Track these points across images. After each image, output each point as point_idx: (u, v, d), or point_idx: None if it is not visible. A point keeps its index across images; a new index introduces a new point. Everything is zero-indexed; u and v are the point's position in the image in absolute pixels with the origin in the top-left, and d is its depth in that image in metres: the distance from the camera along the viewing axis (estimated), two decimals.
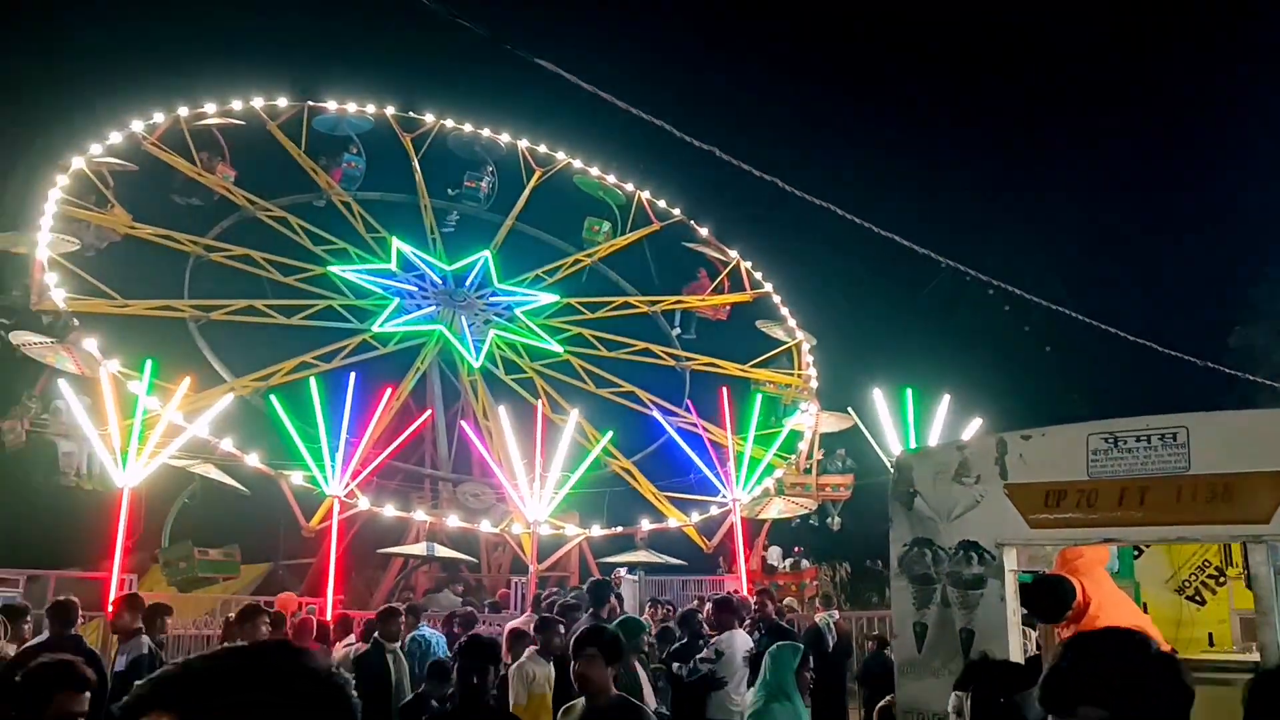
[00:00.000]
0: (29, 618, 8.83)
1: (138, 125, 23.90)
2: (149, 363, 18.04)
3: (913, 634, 5.64)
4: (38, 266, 20.27)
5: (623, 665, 5.37)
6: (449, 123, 28.52)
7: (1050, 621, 6.48)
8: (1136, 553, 8.36)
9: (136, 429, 17.11)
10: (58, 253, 20.90)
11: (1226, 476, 4.80)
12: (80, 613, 8.69)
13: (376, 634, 10.10)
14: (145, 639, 8.76)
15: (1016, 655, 5.40)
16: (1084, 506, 5.24)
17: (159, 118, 24.45)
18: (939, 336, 33.23)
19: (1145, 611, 7.45)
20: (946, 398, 22.21)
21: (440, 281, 26.94)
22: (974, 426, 21.37)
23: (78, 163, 22.38)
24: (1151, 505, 5.00)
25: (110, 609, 9.56)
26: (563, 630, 9.33)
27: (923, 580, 5.69)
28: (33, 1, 33.67)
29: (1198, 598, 8.54)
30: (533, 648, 8.65)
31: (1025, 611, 5.92)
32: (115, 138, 23.36)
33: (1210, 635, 8.15)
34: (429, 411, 23.89)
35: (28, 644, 8.14)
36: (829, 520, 26.19)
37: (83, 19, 34.36)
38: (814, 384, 27.08)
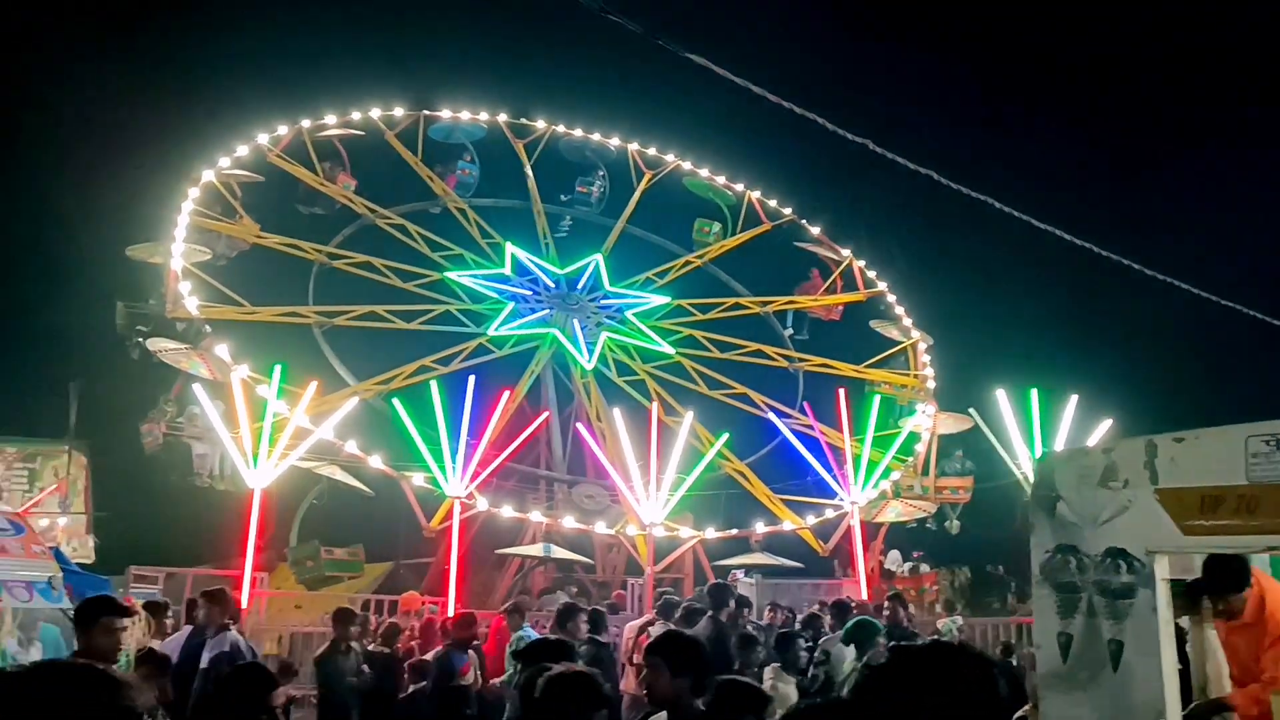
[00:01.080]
0: (170, 613, 9.17)
1: (263, 138, 24.76)
2: (278, 367, 18.61)
3: (1057, 645, 5.41)
4: (172, 276, 21.13)
5: (694, 675, 5.13)
6: (560, 128, 28.80)
7: (1225, 592, 6.09)
8: None
9: (266, 432, 17.65)
10: (190, 262, 21.75)
11: None
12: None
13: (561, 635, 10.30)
14: (230, 635, 8.97)
15: (1169, 669, 5.15)
16: (1243, 513, 4.95)
17: (283, 130, 25.27)
18: (1066, 334, 32.19)
19: None
20: (1074, 398, 21.43)
21: (553, 285, 27.21)
22: (1103, 428, 20.60)
23: (208, 175, 23.27)
24: None
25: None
26: (803, 643, 9.30)
27: (1067, 589, 5.45)
28: (161, 26, 35.22)
29: None
30: (775, 665, 8.53)
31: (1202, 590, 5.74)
32: (242, 150, 24.24)
33: None
34: (546, 413, 24.12)
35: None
36: (947, 524, 25.64)
37: (208, 39, 35.80)
38: (931, 384, 26.52)
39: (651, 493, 19.77)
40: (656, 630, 12.46)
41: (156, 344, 20.63)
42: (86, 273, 26.93)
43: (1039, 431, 20.86)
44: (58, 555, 12.98)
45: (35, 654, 9.87)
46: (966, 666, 2.73)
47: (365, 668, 10.85)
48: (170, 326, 20.88)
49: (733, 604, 12.49)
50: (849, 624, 10.27)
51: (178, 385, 21.12)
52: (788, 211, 29.60)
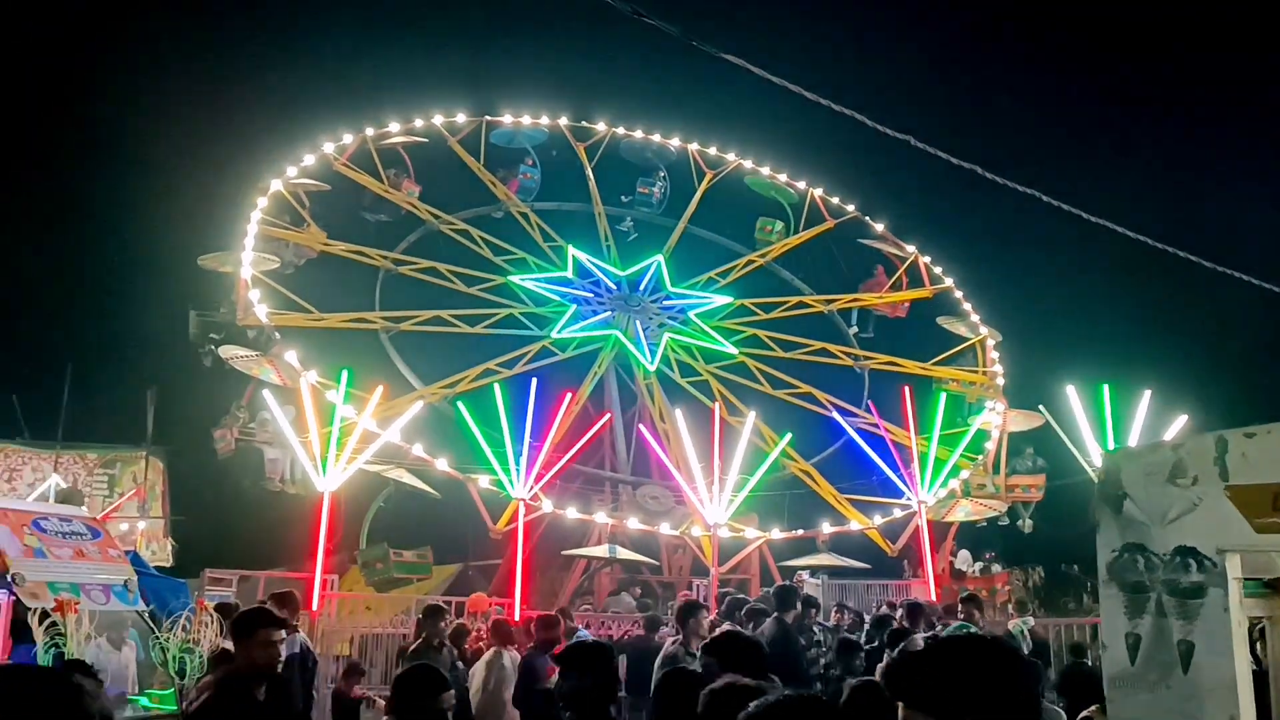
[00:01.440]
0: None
1: (329, 147, 25.18)
2: (345, 372, 18.89)
3: (1125, 646, 5.27)
4: (242, 284, 21.57)
5: (748, 675, 4.93)
6: (620, 130, 28.87)
7: None
8: None
9: (334, 436, 17.92)
10: (260, 270, 22.17)
11: None
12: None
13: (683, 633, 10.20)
14: (299, 637, 9.09)
15: (1243, 671, 4.99)
16: None
17: (348, 139, 25.68)
18: (1138, 328, 31.42)
19: None
20: (1148, 394, 20.94)
21: (615, 287, 27.27)
22: (1178, 424, 20.09)
23: (276, 185, 23.72)
24: None
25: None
26: (920, 639, 9.19)
27: (1135, 589, 5.31)
28: (230, 42, 36.03)
29: None
30: None
31: None
32: (309, 160, 24.67)
33: None
34: (607, 415, 24.17)
35: None
36: (1019, 522, 25.18)
37: (275, 54, 36.51)
38: (1000, 381, 26.08)
39: (715, 493, 19.71)
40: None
41: (228, 351, 21.08)
42: (161, 283, 27.62)
43: (1111, 428, 20.41)
44: (135, 559, 13.32)
45: (129, 654, 10.14)
46: (997, 660, 2.79)
47: (460, 664, 10.91)
48: (241, 334, 21.31)
49: (799, 606, 12.37)
50: (951, 628, 10.05)
51: (249, 391, 21.54)
52: (851, 208, 29.34)
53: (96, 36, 36.30)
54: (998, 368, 26.39)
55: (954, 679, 2.72)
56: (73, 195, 34.92)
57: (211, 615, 8.84)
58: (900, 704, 2.83)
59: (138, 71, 35.44)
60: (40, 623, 7.78)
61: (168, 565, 24.04)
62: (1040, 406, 22.66)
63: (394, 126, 26.37)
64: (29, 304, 33.80)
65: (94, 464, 29.00)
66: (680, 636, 9.39)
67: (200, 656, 8.30)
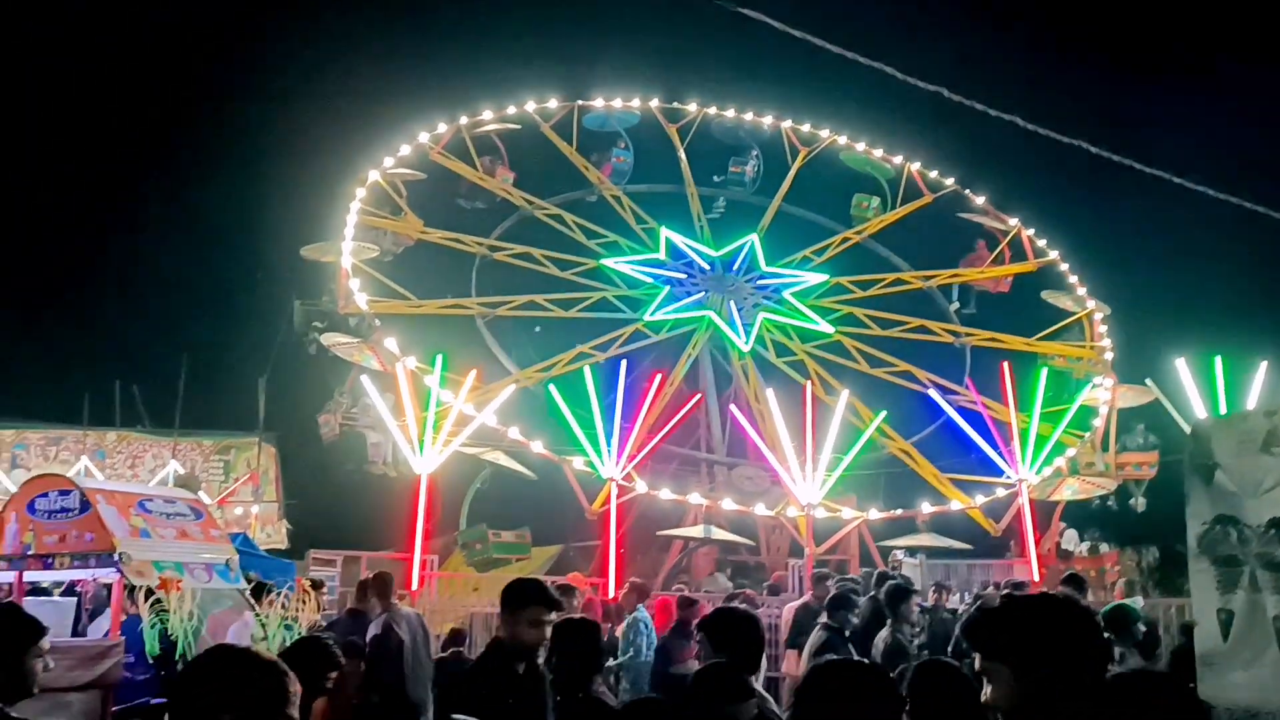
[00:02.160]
0: (325, 589, 9.70)
1: (424, 136, 25.56)
2: (439, 357, 19.24)
3: (1216, 622, 5.07)
4: (343, 273, 22.11)
5: (733, 651, 4.71)
6: (712, 110, 28.69)
7: None
8: None
9: (430, 419, 18.27)
10: (360, 259, 22.69)
11: None
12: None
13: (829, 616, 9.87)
14: (384, 618, 9.31)
15: None
16: None
17: (443, 128, 26.03)
18: (1252, 297, 30.08)
19: None
20: (1264, 365, 20.01)
21: (708, 268, 27.14)
22: None
23: (374, 175, 24.21)
24: None
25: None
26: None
27: (1227, 562, 5.11)
28: (325, 41, 36.96)
29: None
30: None
31: None
32: (405, 150, 25.09)
33: None
34: (698, 395, 24.12)
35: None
36: (1132, 501, 24.37)
37: (369, 46, 37.29)
38: (1108, 356, 25.23)
39: (808, 473, 19.52)
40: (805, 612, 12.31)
41: (330, 339, 21.65)
42: (269, 275, 28.54)
43: (1225, 401, 19.55)
44: (244, 541, 13.84)
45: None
46: (1070, 616, 3.02)
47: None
48: (343, 322, 21.87)
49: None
50: (1105, 609, 9.65)
51: (351, 378, 22.10)
52: (950, 182, 28.66)
53: (204, 51, 37.65)
54: (1105, 342, 25.54)
55: (1030, 632, 2.92)
56: (186, 200, 36.30)
57: (309, 594, 9.10)
58: (978, 655, 3.00)
59: (241, 75, 36.65)
60: (145, 599, 8.14)
61: (282, 547, 24.93)
62: (1148, 380, 21.86)
63: (487, 114, 26.63)
64: (149, 301, 35.36)
65: (210, 450, 30.20)
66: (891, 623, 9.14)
67: (298, 633, 8.54)
